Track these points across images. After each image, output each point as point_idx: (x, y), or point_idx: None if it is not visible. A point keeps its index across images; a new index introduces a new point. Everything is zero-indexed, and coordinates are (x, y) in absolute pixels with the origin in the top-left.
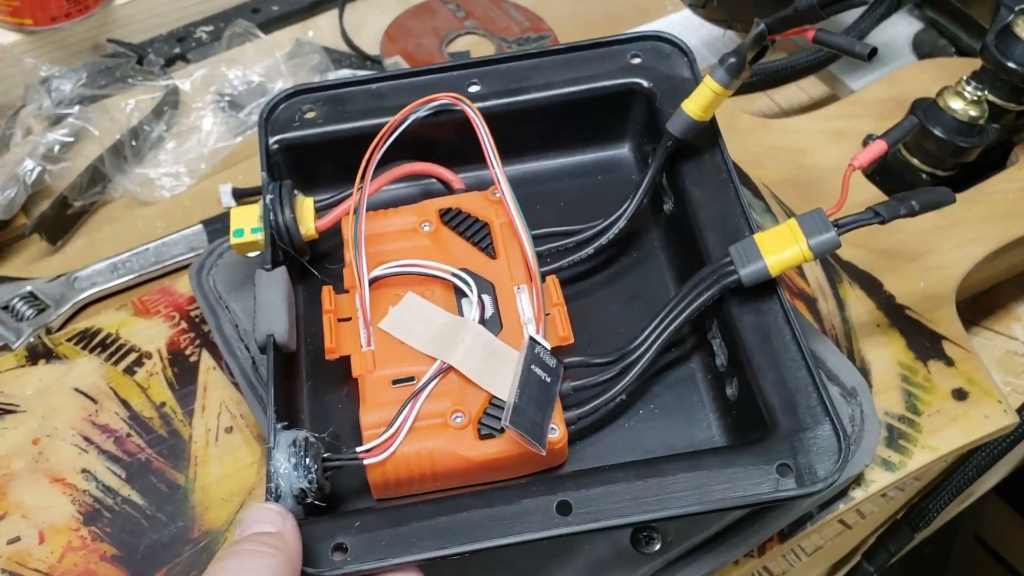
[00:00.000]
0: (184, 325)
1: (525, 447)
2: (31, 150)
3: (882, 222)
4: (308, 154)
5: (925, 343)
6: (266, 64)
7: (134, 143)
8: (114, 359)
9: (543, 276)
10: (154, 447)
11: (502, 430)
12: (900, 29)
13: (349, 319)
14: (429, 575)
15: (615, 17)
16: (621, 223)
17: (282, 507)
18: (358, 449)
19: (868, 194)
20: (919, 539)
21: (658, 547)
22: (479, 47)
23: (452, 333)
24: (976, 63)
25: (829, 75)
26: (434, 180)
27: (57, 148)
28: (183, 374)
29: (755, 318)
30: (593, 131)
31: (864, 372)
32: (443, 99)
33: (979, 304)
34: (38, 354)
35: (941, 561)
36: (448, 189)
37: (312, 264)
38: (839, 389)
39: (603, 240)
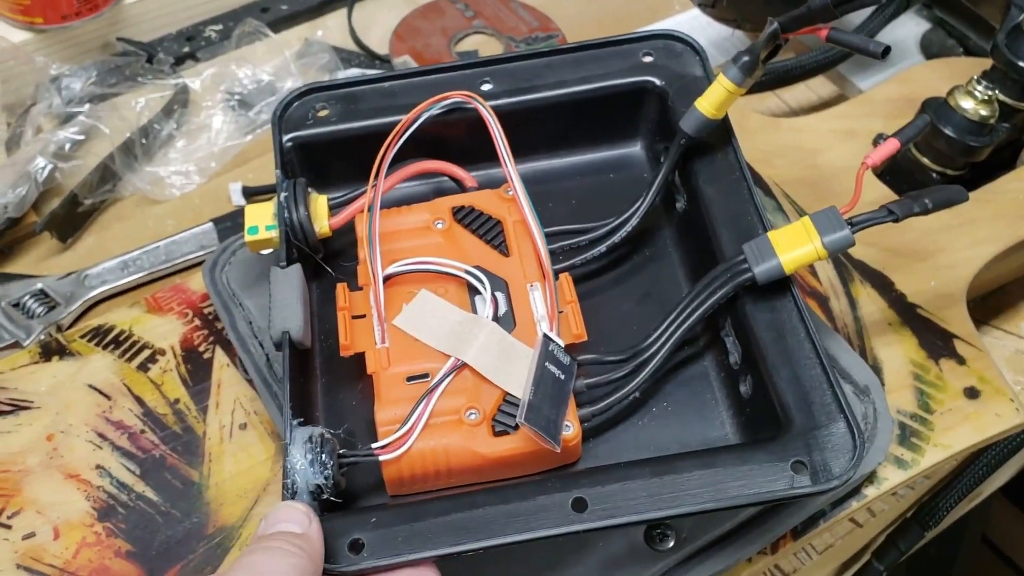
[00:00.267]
0: (197, 322)
1: (539, 444)
2: (42, 148)
3: (896, 220)
4: (321, 152)
5: (937, 342)
6: (275, 63)
7: (144, 141)
8: (128, 356)
9: (556, 274)
10: (168, 443)
11: (516, 427)
12: (908, 29)
13: (363, 316)
14: (444, 570)
15: (623, 17)
16: (634, 221)
17: (308, 508)
18: (373, 445)
19: (879, 193)
20: (928, 537)
21: (672, 544)
22: (487, 46)
23: (466, 330)
24: (985, 63)
25: (838, 75)
26: (446, 178)
27: (68, 146)
28: (197, 371)
29: (769, 316)
30: (605, 129)
31: (876, 370)
32: (456, 97)
33: (988, 303)
34: (51, 351)
35: (948, 561)
36: (461, 187)
37: (325, 261)
38: (852, 387)
39: (616, 238)
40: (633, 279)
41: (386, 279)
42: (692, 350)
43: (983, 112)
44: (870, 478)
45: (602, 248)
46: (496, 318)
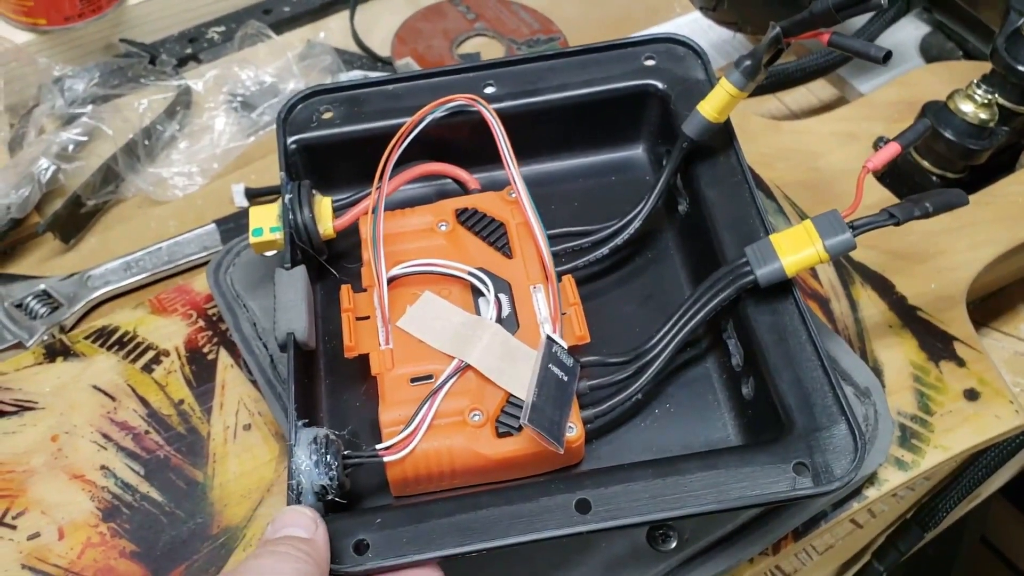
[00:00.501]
0: (201, 323)
1: (543, 445)
2: (45, 149)
3: (897, 223)
4: (325, 154)
5: (937, 344)
6: (278, 65)
7: (147, 142)
8: (132, 357)
9: (559, 276)
10: (172, 444)
11: (520, 428)
12: (908, 33)
13: (367, 318)
14: (447, 570)
15: (624, 19)
16: (636, 223)
17: (315, 513)
18: (378, 447)
19: (879, 196)
20: (928, 538)
21: (674, 545)
22: (489, 49)
23: (470, 332)
24: (985, 66)
25: (838, 78)
26: (449, 180)
27: (71, 147)
28: (201, 372)
29: (771, 318)
30: (607, 132)
31: (877, 372)
32: (460, 100)
33: (988, 306)
34: (56, 352)
35: (947, 562)
36: (464, 189)
37: (329, 263)
38: (853, 389)
39: (618, 240)
40: (635, 281)
41: (390, 281)
42: (694, 352)
43: (983, 116)
44: (871, 479)
45: (605, 250)
46: (499, 320)
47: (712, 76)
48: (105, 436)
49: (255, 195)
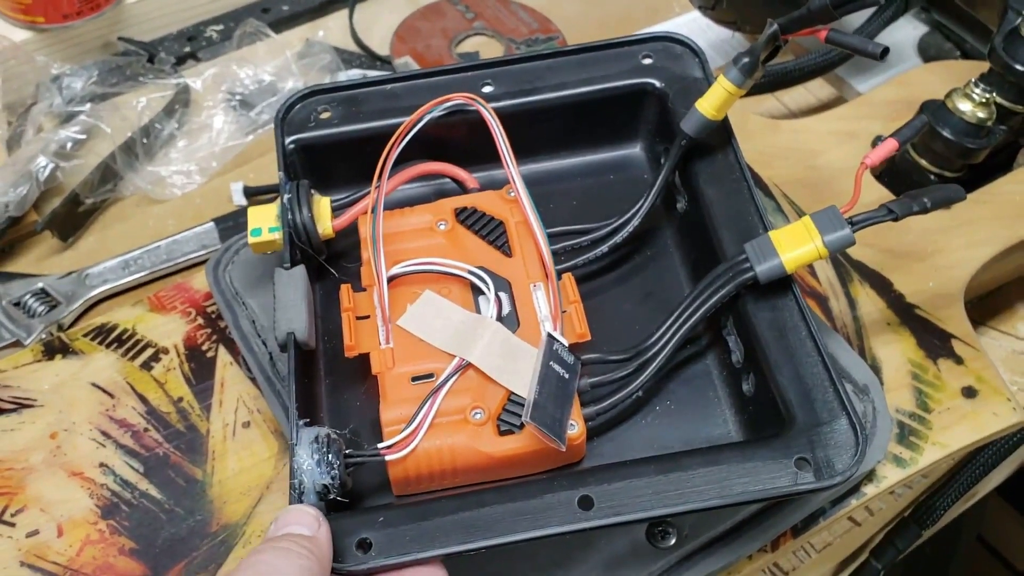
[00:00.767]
0: (200, 321)
1: (545, 443)
2: (43, 147)
3: (895, 219)
4: (323, 154)
5: (935, 341)
6: (277, 63)
7: (145, 141)
8: (131, 354)
9: (559, 274)
10: (172, 442)
11: (521, 426)
12: (906, 32)
13: (367, 317)
14: (448, 568)
15: (623, 19)
16: (635, 221)
17: (318, 511)
18: (379, 445)
19: (877, 194)
20: (925, 537)
21: (674, 541)
22: (488, 48)
23: (470, 330)
24: (983, 65)
25: (836, 78)
26: (447, 180)
27: (69, 145)
28: (200, 369)
29: (771, 315)
30: (605, 131)
31: (875, 370)
32: (458, 99)
33: (985, 304)
34: (54, 349)
35: (943, 561)
36: (462, 188)
37: (328, 263)
38: (851, 386)
39: (617, 238)
40: (635, 279)
41: (390, 280)
42: (694, 349)
43: (980, 114)
44: (869, 476)
45: (604, 248)
46: (500, 318)
47: (710, 74)
48: (104, 433)
49: (254, 193)
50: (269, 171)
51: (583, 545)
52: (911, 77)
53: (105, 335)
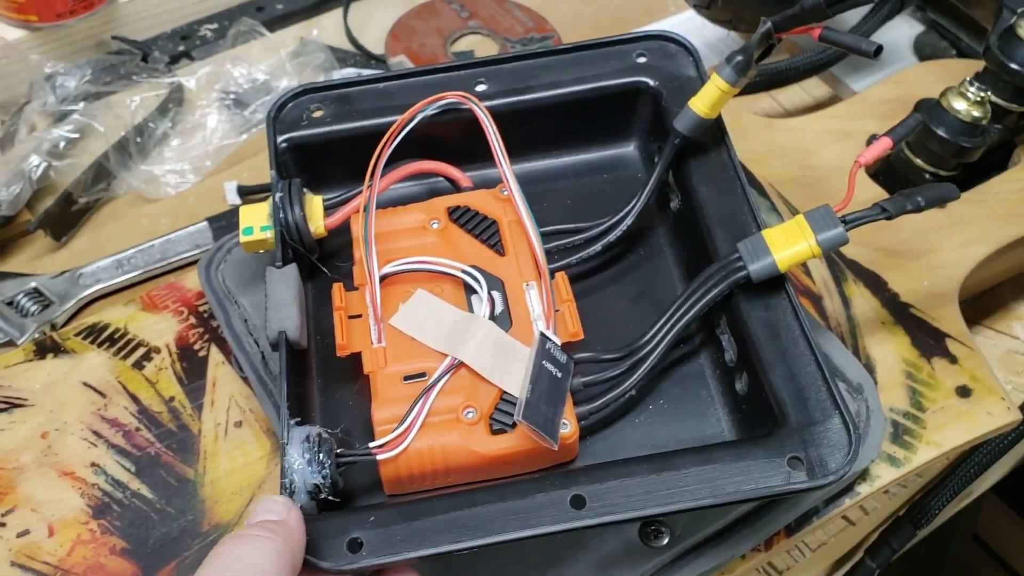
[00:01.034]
0: (193, 320)
1: (537, 442)
2: (36, 146)
3: (888, 218)
4: (316, 153)
5: (929, 340)
6: (271, 62)
7: (139, 140)
8: (123, 354)
9: (552, 273)
10: (163, 441)
11: (514, 425)
12: (902, 31)
13: (359, 316)
14: (439, 569)
15: (618, 18)
16: (629, 220)
17: (288, 499)
18: (371, 444)
19: (871, 193)
20: (920, 536)
21: (666, 541)
22: (483, 47)
23: (463, 329)
24: (979, 64)
25: (831, 76)
26: (439, 179)
27: (62, 144)
28: (192, 369)
29: (764, 314)
30: (599, 130)
31: (869, 369)
32: (451, 98)
33: (980, 303)
34: (46, 348)
35: (938, 561)
36: (455, 187)
37: (320, 262)
38: (845, 385)
39: (611, 237)
40: (628, 278)
41: (382, 279)
42: (687, 348)
43: (975, 113)
44: (863, 475)
45: (597, 247)
46: (492, 317)
47: (703, 73)
48: (95, 433)
49: (248, 193)
50: (263, 170)
51: (575, 545)
52: (906, 76)
53: (97, 334)
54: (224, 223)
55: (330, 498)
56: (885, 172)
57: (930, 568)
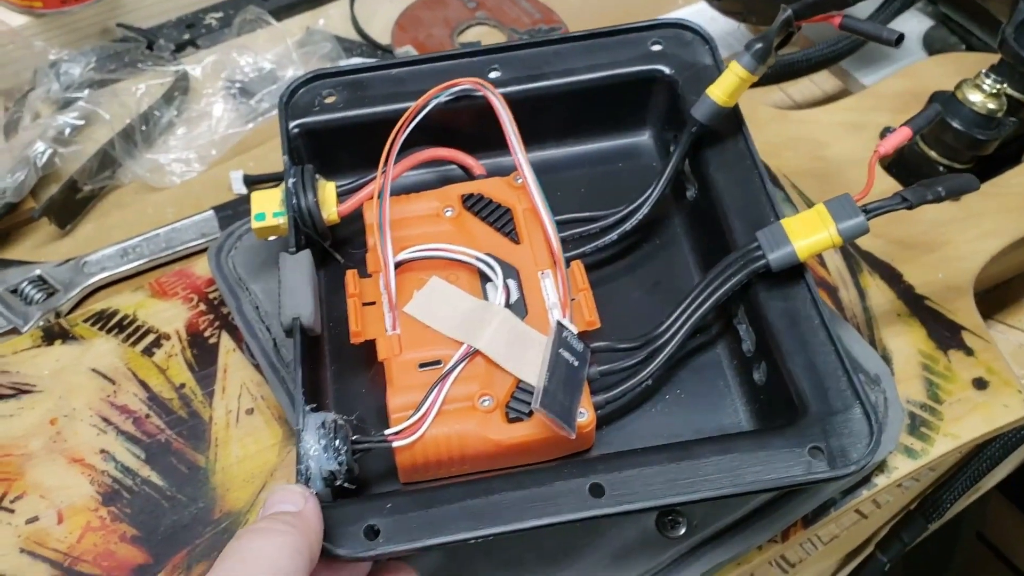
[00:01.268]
0: (203, 307)
1: (554, 430)
2: (41, 133)
3: (909, 207)
4: (328, 139)
5: (945, 333)
6: (277, 51)
7: (144, 128)
8: (132, 340)
9: (567, 261)
10: (174, 428)
11: (530, 413)
12: (911, 26)
13: (373, 303)
14: (453, 557)
15: (627, 10)
16: (645, 209)
17: (304, 488)
18: (386, 432)
19: (885, 185)
20: (929, 531)
21: (683, 531)
22: (490, 38)
23: (478, 317)
24: (991, 58)
25: (841, 70)
26: (451, 167)
27: (68, 131)
28: (202, 355)
29: (783, 303)
30: (613, 118)
31: (886, 360)
32: (466, 84)
33: (992, 297)
34: (54, 335)
35: (943, 558)
36: (468, 175)
37: (332, 249)
38: (863, 376)
39: (627, 226)
40: (643, 268)
41: (396, 266)
42: (704, 338)
43: (991, 105)
44: (880, 467)
45: (613, 236)
46: (508, 305)
47: (720, 62)
48: (105, 420)
49: (254, 182)
50: (269, 160)
51: (592, 534)
52: (918, 69)
53: (105, 321)
54: (230, 212)
55: (345, 485)
56: (898, 164)
57: (935, 566)
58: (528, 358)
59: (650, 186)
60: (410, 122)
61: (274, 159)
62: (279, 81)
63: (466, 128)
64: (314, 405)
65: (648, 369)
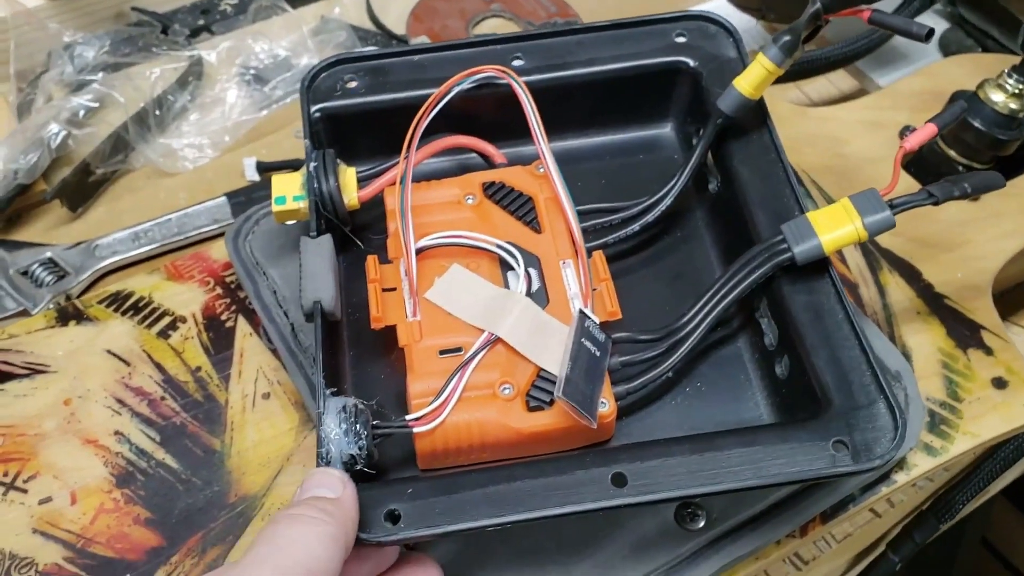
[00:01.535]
0: (219, 290)
1: (574, 420)
2: (56, 114)
3: (936, 203)
4: (349, 124)
5: (964, 332)
6: (292, 39)
7: (158, 112)
8: (147, 322)
9: (589, 252)
10: (189, 411)
11: (551, 402)
12: None
13: (394, 289)
14: (472, 543)
15: (643, 4)
16: (668, 200)
17: (343, 474)
18: (407, 417)
19: (904, 184)
20: (941, 530)
21: (703, 524)
22: (505, 30)
23: (499, 305)
24: (1009, 58)
25: (856, 70)
26: (470, 155)
27: (82, 113)
28: (219, 339)
29: (807, 297)
30: (636, 109)
31: (905, 357)
32: (489, 71)
33: (1008, 299)
34: (68, 315)
35: (946, 564)
36: (489, 163)
37: (352, 235)
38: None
39: (649, 217)
40: (664, 260)
41: (418, 252)
42: (725, 331)
43: (1013, 105)
44: (900, 464)
45: (635, 227)
46: (529, 294)
47: (744, 55)
48: (119, 401)
49: (267, 169)
50: (282, 147)
51: (611, 524)
52: (936, 69)
53: (121, 302)
54: (243, 199)
55: (365, 470)
56: (917, 164)
57: (939, 570)
58: (549, 347)
59: (671, 179)
60: (433, 108)
61: (287, 146)
62: (293, 69)
63: (487, 116)
64: (334, 389)
65: (669, 361)
